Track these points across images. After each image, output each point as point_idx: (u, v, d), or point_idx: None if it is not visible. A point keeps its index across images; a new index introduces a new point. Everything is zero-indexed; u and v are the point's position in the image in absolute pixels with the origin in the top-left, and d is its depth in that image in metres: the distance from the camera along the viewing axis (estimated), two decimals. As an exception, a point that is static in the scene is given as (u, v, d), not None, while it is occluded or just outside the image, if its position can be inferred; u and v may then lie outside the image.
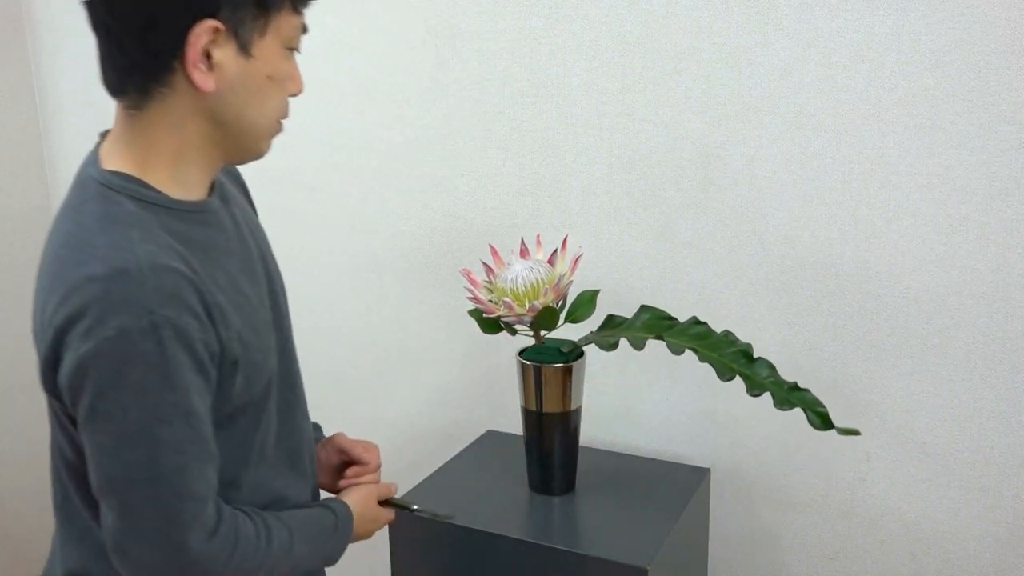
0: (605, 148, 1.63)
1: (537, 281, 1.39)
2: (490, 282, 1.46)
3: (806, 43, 1.45)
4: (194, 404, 0.86)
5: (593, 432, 1.72)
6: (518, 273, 1.40)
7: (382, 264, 1.91)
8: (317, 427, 1.27)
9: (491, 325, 1.45)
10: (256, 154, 0.97)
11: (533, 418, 1.48)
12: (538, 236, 1.53)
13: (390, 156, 1.85)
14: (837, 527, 1.58)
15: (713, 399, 1.62)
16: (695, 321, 1.37)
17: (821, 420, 1.26)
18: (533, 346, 1.48)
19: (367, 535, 1.15)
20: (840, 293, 1.50)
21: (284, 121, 0.98)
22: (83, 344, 0.81)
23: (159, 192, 0.90)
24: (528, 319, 1.41)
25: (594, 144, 1.64)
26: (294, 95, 0.96)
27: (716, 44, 1.51)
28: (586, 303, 1.47)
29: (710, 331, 1.35)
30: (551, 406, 1.46)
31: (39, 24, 2.27)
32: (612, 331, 1.44)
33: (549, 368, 1.43)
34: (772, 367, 1.30)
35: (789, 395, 1.27)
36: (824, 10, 1.43)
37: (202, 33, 0.85)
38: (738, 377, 1.29)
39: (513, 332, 1.46)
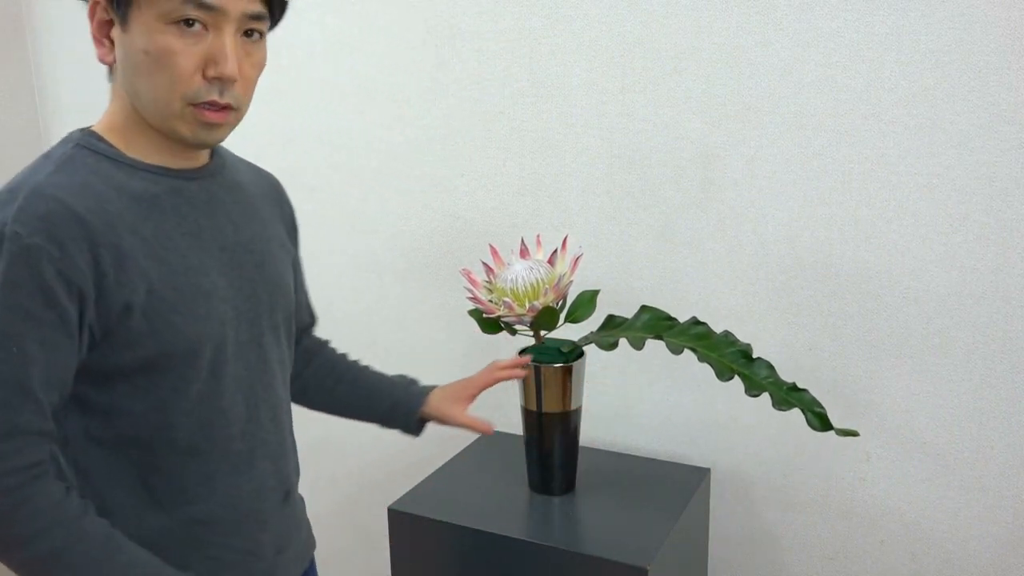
0: (605, 148, 1.63)
1: (537, 281, 1.39)
2: (490, 282, 1.46)
3: (806, 43, 1.45)
4: (14, 327, 0.86)
5: (593, 432, 1.72)
6: (518, 273, 1.40)
7: (382, 264, 1.91)
8: (413, 381, 1.29)
9: (491, 325, 1.45)
10: (173, 134, 0.95)
11: (533, 418, 1.48)
12: (538, 236, 1.53)
13: (390, 156, 1.85)
14: (837, 527, 1.58)
15: (713, 399, 1.62)
16: (695, 321, 1.37)
17: (819, 421, 1.26)
18: (533, 346, 1.48)
19: None
20: (840, 293, 1.50)
21: (206, 103, 0.92)
22: None
23: (113, 147, 0.96)
24: (528, 319, 1.41)
25: (594, 144, 1.64)
26: (216, 77, 0.91)
27: (716, 44, 1.51)
28: (586, 303, 1.47)
29: (710, 331, 1.35)
30: (551, 406, 1.46)
31: (39, 24, 2.27)
32: (612, 331, 1.44)
33: (549, 368, 1.43)
34: (771, 367, 1.30)
35: (788, 395, 1.27)
36: (824, 10, 1.43)
37: (95, 8, 0.92)
38: (737, 377, 1.29)
39: (513, 332, 1.46)
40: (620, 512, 1.45)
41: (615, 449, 1.72)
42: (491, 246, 1.52)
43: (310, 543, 1.21)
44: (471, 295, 1.44)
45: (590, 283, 1.63)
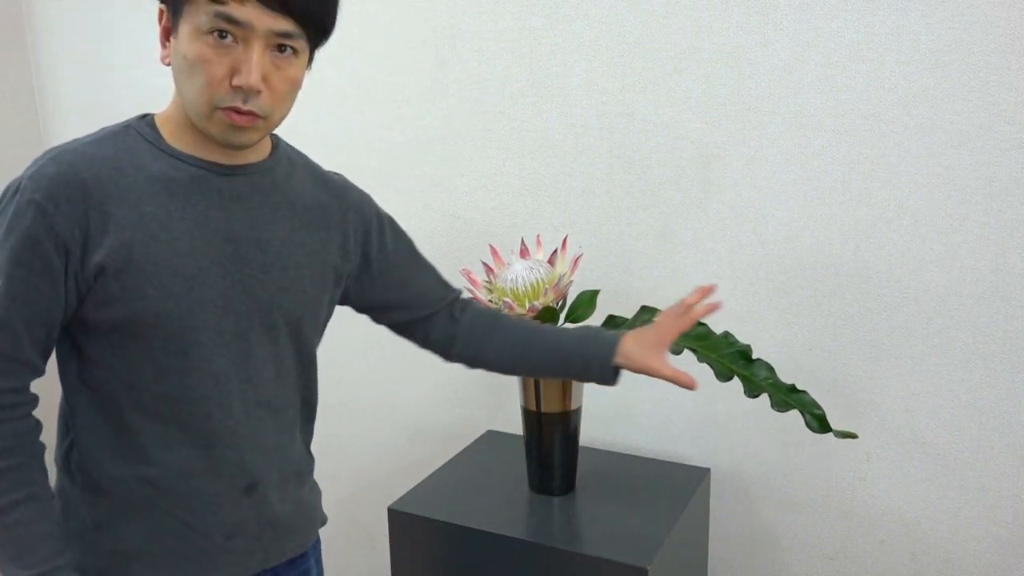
0: (605, 148, 1.63)
1: (537, 281, 1.39)
2: (490, 282, 1.46)
3: (806, 43, 1.45)
4: (5, 267, 0.98)
5: (593, 432, 1.72)
6: (518, 273, 1.40)
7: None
8: (598, 332, 1.26)
9: (491, 325, 1.45)
10: (207, 133, 1.04)
11: (533, 418, 1.48)
12: (538, 236, 1.53)
13: (390, 156, 1.85)
14: (837, 527, 1.58)
15: (713, 399, 1.62)
16: (695, 321, 1.37)
17: (818, 423, 1.26)
18: (533, 346, 1.48)
19: None
20: (840, 293, 1.50)
21: (233, 110, 0.99)
22: None
23: (159, 135, 1.06)
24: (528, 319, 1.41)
25: (594, 144, 1.64)
26: (239, 86, 0.99)
27: (716, 44, 1.51)
28: (586, 303, 1.47)
29: (710, 331, 1.35)
30: (551, 406, 1.46)
31: (39, 24, 2.27)
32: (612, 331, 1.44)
33: (549, 368, 1.43)
34: (771, 368, 1.30)
35: (787, 397, 1.27)
36: (824, 10, 1.43)
37: (161, 15, 1.03)
38: (737, 378, 1.29)
39: (513, 332, 1.45)
40: (620, 512, 1.45)
41: (615, 449, 1.72)
42: (491, 246, 1.52)
43: (283, 546, 1.18)
44: (471, 295, 1.44)
45: (590, 283, 1.63)
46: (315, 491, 1.25)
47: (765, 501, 1.63)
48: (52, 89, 2.30)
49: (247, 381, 1.10)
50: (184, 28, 0.99)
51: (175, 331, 1.03)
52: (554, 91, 1.66)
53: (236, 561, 1.12)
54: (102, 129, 1.08)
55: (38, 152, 1.06)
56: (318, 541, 1.27)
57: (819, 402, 1.28)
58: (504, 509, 1.47)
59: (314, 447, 1.25)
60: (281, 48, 1.01)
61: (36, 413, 1.05)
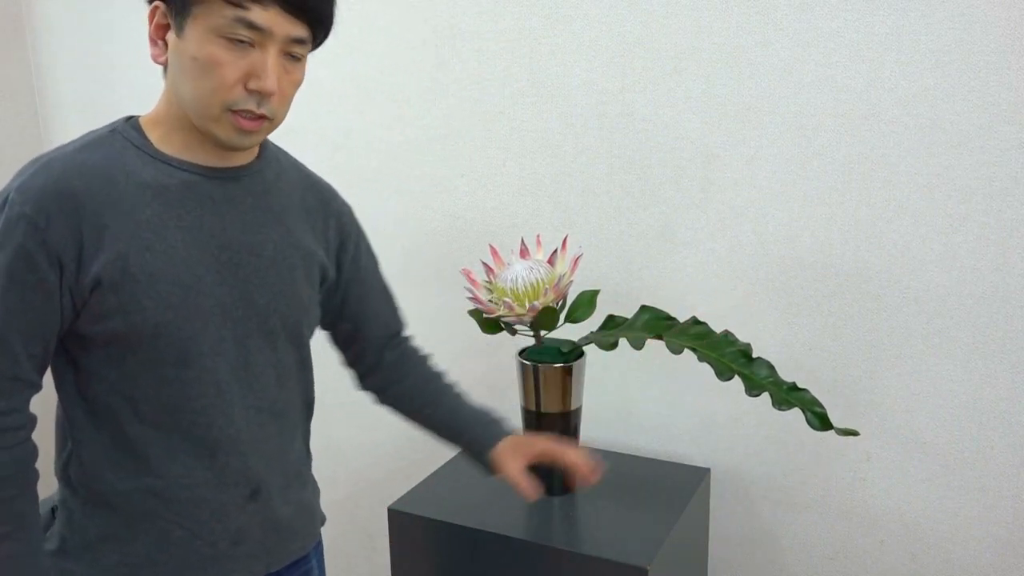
0: (605, 148, 1.63)
1: (537, 281, 1.39)
2: (490, 282, 1.46)
3: (806, 43, 1.45)
4: None
5: (593, 432, 1.72)
6: (518, 273, 1.40)
7: (382, 264, 1.90)
8: (494, 421, 1.29)
9: (491, 325, 1.45)
10: (209, 134, 1.01)
11: (533, 418, 1.48)
12: (538, 236, 1.53)
13: (390, 156, 1.85)
14: (837, 527, 1.58)
15: (713, 399, 1.62)
16: (695, 321, 1.37)
17: (819, 420, 1.26)
18: (533, 346, 1.48)
19: None
20: (840, 293, 1.50)
21: (246, 112, 0.99)
22: None
23: (146, 140, 1.03)
24: (528, 319, 1.41)
25: (594, 144, 1.64)
26: (255, 90, 0.98)
27: (716, 44, 1.51)
28: (586, 303, 1.47)
29: (710, 331, 1.35)
30: (551, 406, 1.46)
31: (39, 24, 2.27)
32: (612, 331, 1.44)
33: (549, 368, 1.43)
34: (771, 367, 1.30)
35: (788, 395, 1.27)
36: (824, 10, 1.43)
37: (154, 11, 1.00)
38: (737, 377, 1.29)
39: (513, 332, 1.46)
40: (620, 512, 1.45)
41: (615, 449, 1.72)
42: (491, 246, 1.52)
43: (286, 548, 1.18)
44: (471, 295, 1.44)
45: (590, 283, 1.63)
46: (315, 491, 1.25)
47: (765, 501, 1.63)
48: (52, 89, 2.30)
49: (248, 387, 1.09)
50: (194, 28, 0.97)
51: (174, 341, 1.02)
52: (554, 91, 1.66)
53: (241, 567, 1.12)
54: (88, 134, 1.05)
55: (38, 152, 1.04)
56: (320, 542, 1.27)
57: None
58: (504, 509, 1.47)
59: (313, 448, 1.25)
60: (291, 53, 1.01)
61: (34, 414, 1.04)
